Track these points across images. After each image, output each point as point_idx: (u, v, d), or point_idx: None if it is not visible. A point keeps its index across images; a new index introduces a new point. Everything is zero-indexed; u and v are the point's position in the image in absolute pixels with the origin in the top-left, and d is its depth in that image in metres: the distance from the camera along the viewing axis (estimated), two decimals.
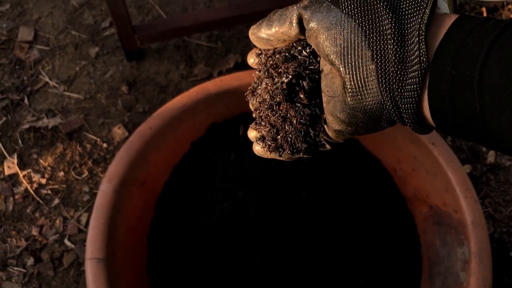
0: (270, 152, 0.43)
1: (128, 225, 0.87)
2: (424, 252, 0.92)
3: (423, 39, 0.33)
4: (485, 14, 1.40)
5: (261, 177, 0.97)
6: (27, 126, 1.26)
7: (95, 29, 1.40)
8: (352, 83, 0.36)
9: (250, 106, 0.45)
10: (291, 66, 0.41)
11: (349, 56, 0.36)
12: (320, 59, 0.40)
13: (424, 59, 0.33)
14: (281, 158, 0.43)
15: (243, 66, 1.32)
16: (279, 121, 0.42)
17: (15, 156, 1.22)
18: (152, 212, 0.94)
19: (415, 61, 0.34)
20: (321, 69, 0.40)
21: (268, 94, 0.42)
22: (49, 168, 1.21)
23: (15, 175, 1.21)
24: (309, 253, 0.91)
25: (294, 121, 0.41)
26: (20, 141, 1.25)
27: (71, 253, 1.12)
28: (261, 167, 0.97)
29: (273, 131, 0.43)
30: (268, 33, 0.42)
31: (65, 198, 1.18)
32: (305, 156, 0.43)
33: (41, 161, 1.22)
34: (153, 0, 1.44)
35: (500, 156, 1.21)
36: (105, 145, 1.23)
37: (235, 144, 0.99)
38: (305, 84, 0.40)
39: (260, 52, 0.45)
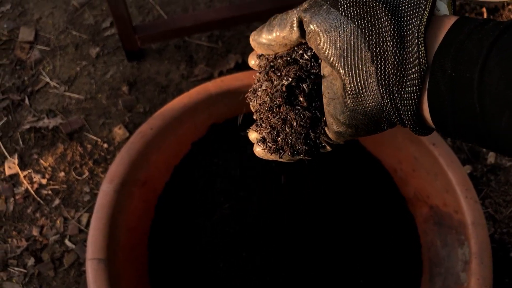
0: (271, 153, 0.43)
1: (129, 225, 0.87)
2: (424, 252, 0.92)
3: (422, 41, 0.34)
4: (485, 15, 1.40)
5: (261, 177, 0.97)
6: (27, 126, 1.26)
7: (96, 29, 1.40)
8: (352, 85, 0.36)
9: (251, 107, 0.45)
10: (292, 70, 0.41)
11: (349, 58, 0.36)
12: (321, 61, 0.40)
13: (424, 61, 0.33)
14: (281, 160, 0.43)
15: (244, 66, 1.32)
16: (279, 123, 0.42)
17: (16, 156, 1.23)
18: (152, 213, 0.94)
19: (414, 63, 0.34)
20: (321, 72, 0.40)
21: (268, 96, 0.42)
22: (49, 169, 1.21)
23: (16, 175, 1.21)
24: (309, 253, 0.91)
25: (294, 124, 0.41)
26: (20, 142, 1.25)
27: (71, 254, 1.12)
28: (261, 168, 0.97)
29: (274, 133, 0.43)
30: (269, 38, 0.42)
31: (65, 199, 1.18)
32: (305, 157, 0.43)
33: (41, 161, 1.22)
34: (154, 0, 1.44)
35: (500, 156, 1.21)
36: (105, 145, 1.23)
37: (236, 145, 0.99)
38: (305, 87, 0.40)
39: (261, 54, 0.45)
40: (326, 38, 0.37)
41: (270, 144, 0.43)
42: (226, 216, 0.94)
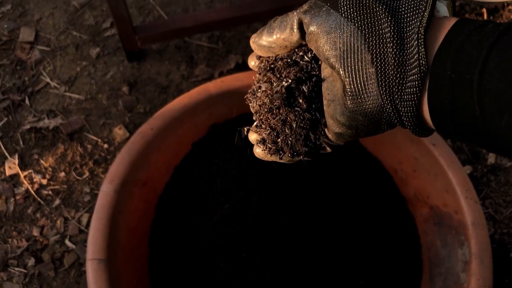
0: (271, 155, 0.43)
1: (129, 225, 0.87)
2: (424, 253, 0.92)
3: (422, 43, 0.34)
4: (485, 15, 1.40)
5: (261, 177, 0.97)
6: (28, 126, 1.26)
7: (96, 29, 1.40)
8: (352, 86, 0.36)
9: (251, 108, 0.45)
10: (292, 71, 0.41)
11: (349, 60, 0.36)
12: (321, 63, 0.40)
13: (424, 62, 0.33)
14: (281, 161, 0.43)
15: (244, 67, 1.33)
16: (279, 124, 0.42)
17: (16, 156, 1.23)
18: (153, 213, 0.94)
19: (414, 64, 0.34)
20: (321, 73, 0.40)
21: (268, 98, 0.42)
22: (50, 169, 1.21)
23: (16, 175, 1.21)
24: (309, 253, 0.91)
25: (294, 125, 0.41)
26: (21, 142, 1.25)
27: (72, 254, 1.12)
28: (261, 168, 0.97)
29: (274, 134, 0.43)
30: (269, 41, 0.42)
31: (66, 199, 1.18)
32: (305, 159, 0.43)
33: (42, 161, 1.22)
34: (154, 0, 1.44)
35: (500, 157, 1.21)
36: (106, 145, 1.23)
37: (236, 145, 0.99)
38: (305, 88, 0.40)
39: (260, 55, 0.45)
40: (326, 39, 0.37)
41: (270, 145, 0.43)
42: (226, 217, 0.94)
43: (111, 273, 0.79)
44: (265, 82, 0.43)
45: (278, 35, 0.41)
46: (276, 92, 0.41)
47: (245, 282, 0.89)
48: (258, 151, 0.44)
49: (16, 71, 1.35)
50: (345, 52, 0.36)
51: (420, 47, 0.34)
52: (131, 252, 0.87)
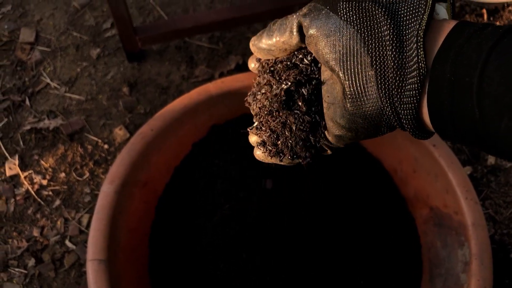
0: (271, 157, 0.43)
1: (130, 226, 0.87)
2: (424, 253, 0.92)
3: (421, 45, 0.34)
4: (485, 16, 1.40)
5: (261, 178, 0.97)
6: (28, 127, 1.26)
7: (96, 30, 1.40)
8: (352, 89, 0.36)
9: (251, 111, 0.45)
10: (292, 74, 0.41)
11: (348, 63, 0.36)
12: (321, 65, 0.41)
13: (423, 65, 0.34)
14: (282, 163, 0.44)
15: (244, 67, 1.33)
16: (279, 126, 0.42)
17: (17, 157, 1.23)
18: (153, 214, 0.94)
19: (413, 67, 0.34)
20: (321, 76, 0.40)
21: (267, 100, 0.42)
22: (50, 169, 1.21)
23: (16, 176, 1.21)
24: (309, 254, 0.91)
25: (294, 128, 0.41)
26: (21, 142, 1.25)
27: (72, 254, 1.12)
28: (261, 168, 0.97)
29: (274, 136, 0.43)
30: (269, 43, 0.42)
31: (66, 199, 1.18)
32: (305, 161, 0.43)
33: (42, 162, 1.22)
34: (154, 1, 1.45)
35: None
36: (106, 146, 1.24)
37: (236, 146, 0.99)
38: (304, 91, 0.41)
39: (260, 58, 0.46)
40: (326, 42, 0.37)
41: (270, 148, 0.43)
42: (227, 217, 0.94)
43: (111, 274, 0.79)
44: (265, 84, 0.43)
45: (278, 38, 0.41)
46: (276, 94, 0.42)
47: (245, 282, 0.89)
48: (259, 153, 0.44)
49: (17, 72, 1.35)
50: (344, 55, 0.36)
51: (419, 50, 0.34)
52: (132, 252, 0.87)
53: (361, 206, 0.96)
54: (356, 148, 1.00)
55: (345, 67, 0.36)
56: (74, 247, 1.13)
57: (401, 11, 0.35)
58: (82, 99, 1.30)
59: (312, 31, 0.38)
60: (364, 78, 0.36)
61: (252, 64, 0.46)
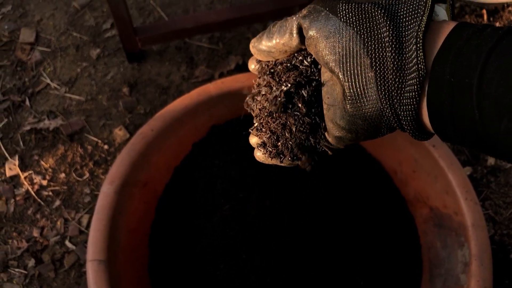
0: (271, 158, 0.43)
1: (130, 226, 0.87)
2: (424, 254, 0.92)
3: (420, 47, 0.34)
4: (485, 16, 1.40)
5: (261, 178, 0.97)
6: (28, 127, 1.26)
7: (97, 30, 1.40)
8: (352, 90, 0.36)
9: (251, 112, 0.45)
10: (292, 75, 0.41)
11: (348, 64, 0.36)
12: (321, 67, 0.41)
13: (422, 66, 0.34)
14: (282, 164, 0.44)
15: (244, 67, 1.33)
16: (279, 128, 0.42)
17: (17, 157, 1.23)
18: (153, 214, 0.94)
19: (413, 68, 0.34)
20: (321, 77, 0.40)
21: (267, 102, 0.42)
22: (50, 170, 1.21)
23: (16, 176, 1.21)
24: (309, 254, 0.91)
25: (294, 129, 0.41)
26: (21, 143, 1.25)
27: (72, 255, 1.12)
28: (261, 169, 0.97)
29: (274, 137, 0.43)
30: (269, 45, 0.42)
31: (66, 200, 1.18)
32: (306, 162, 0.43)
33: (42, 162, 1.22)
34: (155, 1, 1.45)
35: None
36: (106, 146, 1.24)
37: (236, 146, 0.99)
38: (304, 93, 0.41)
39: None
40: (325, 44, 0.37)
41: (270, 149, 0.43)
42: (227, 218, 0.94)
43: (111, 274, 0.79)
44: (265, 86, 0.43)
45: (278, 40, 0.41)
46: (276, 96, 0.42)
47: (245, 283, 0.89)
48: (259, 155, 0.44)
49: (17, 72, 1.35)
50: (344, 57, 0.36)
51: (418, 52, 0.34)
52: (132, 253, 0.87)
53: (361, 207, 0.96)
54: (356, 149, 1.00)
55: (344, 69, 0.36)
56: (74, 247, 1.13)
57: (400, 13, 0.35)
58: (82, 100, 1.30)
59: (311, 33, 0.38)
60: (363, 80, 0.36)
61: (252, 65, 0.46)
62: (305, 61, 0.41)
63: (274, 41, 0.41)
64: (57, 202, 1.18)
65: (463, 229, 0.84)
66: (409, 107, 0.35)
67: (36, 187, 1.19)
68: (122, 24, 1.20)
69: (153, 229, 0.93)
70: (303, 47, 0.40)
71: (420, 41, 0.34)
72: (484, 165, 1.20)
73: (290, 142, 0.42)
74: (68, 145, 1.24)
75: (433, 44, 0.34)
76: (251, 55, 0.46)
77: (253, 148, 0.46)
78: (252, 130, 0.45)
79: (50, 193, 1.19)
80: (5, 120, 1.28)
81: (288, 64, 0.42)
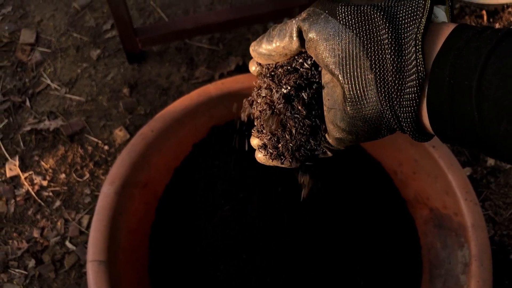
0: (272, 159, 0.44)
1: (130, 227, 0.87)
2: (424, 254, 0.92)
3: (419, 49, 0.34)
4: (485, 17, 1.40)
5: (261, 179, 0.97)
6: (28, 128, 1.26)
7: (97, 31, 1.40)
8: (352, 92, 0.36)
9: (252, 113, 0.45)
10: (292, 78, 0.41)
11: (348, 66, 0.36)
12: (321, 69, 0.41)
13: (422, 68, 0.34)
14: (283, 165, 0.44)
15: (244, 68, 1.33)
16: (279, 130, 0.42)
17: (17, 158, 1.23)
18: (153, 215, 0.94)
19: (412, 70, 0.34)
20: (322, 79, 0.40)
21: (267, 105, 0.43)
22: (50, 170, 1.21)
23: (17, 177, 1.21)
24: (309, 254, 0.91)
25: (293, 131, 0.41)
26: (21, 143, 1.25)
27: (72, 255, 1.13)
28: (261, 170, 0.97)
29: (274, 139, 0.43)
30: (269, 49, 0.42)
31: (66, 200, 1.18)
32: (306, 163, 0.43)
33: (42, 163, 1.22)
34: (155, 2, 1.45)
35: None
36: (106, 147, 1.24)
37: (236, 147, 0.99)
38: (304, 95, 0.41)
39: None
40: (325, 46, 0.37)
41: (271, 150, 0.43)
42: (227, 218, 0.94)
43: (111, 275, 0.79)
44: (265, 88, 0.43)
45: (278, 43, 0.41)
46: (276, 98, 0.42)
47: (245, 283, 0.89)
48: (260, 156, 0.45)
49: (17, 73, 1.35)
50: (343, 59, 0.36)
51: (418, 53, 0.34)
52: (132, 253, 0.87)
53: (361, 207, 0.96)
54: (356, 150, 1.00)
55: (344, 71, 0.36)
56: (74, 248, 1.13)
57: (399, 15, 0.35)
58: (83, 100, 1.30)
59: (311, 35, 0.38)
60: (363, 82, 0.36)
61: (253, 67, 0.46)
62: (305, 64, 0.41)
63: (274, 45, 0.41)
64: (58, 203, 1.18)
65: (463, 229, 0.84)
66: (409, 108, 0.35)
67: (36, 187, 1.20)
68: (122, 25, 1.20)
69: (153, 230, 0.93)
70: (303, 50, 0.41)
71: (419, 43, 0.34)
72: (484, 165, 1.20)
73: (291, 144, 0.42)
74: (69, 146, 1.24)
75: (433, 46, 0.34)
76: (252, 56, 0.46)
77: (254, 149, 0.46)
78: (253, 131, 0.45)
79: (51, 194, 1.19)
80: (6, 120, 1.28)
81: (289, 67, 0.42)
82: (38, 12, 1.44)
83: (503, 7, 1.41)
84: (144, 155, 0.90)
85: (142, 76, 1.33)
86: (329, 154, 0.42)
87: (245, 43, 1.37)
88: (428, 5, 0.35)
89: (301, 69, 0.42)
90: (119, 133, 1.25)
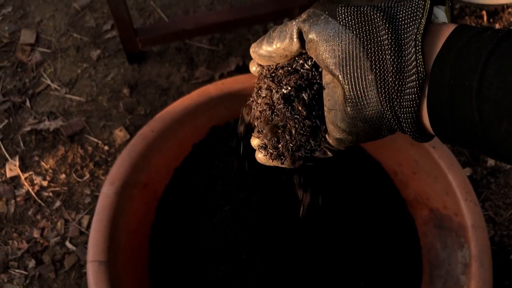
0: (272, 160, 0.44)
1: (130, 227, 0.87)
2: (424, 255, 0.92)
3: (419, 49, 0.34)
4: (485, 18, 1.40)
5: (261, 179, 0.97)
6: (28, 128, 1.26)
7: (97, 31, 1.40)
8: (352, 93, 0.36)
9: (252, 114, 0.45)
10: (293, 78, 0.41)
11: (348, 67, 0.36)
12: (321, 70, 0.41)
13: (422, 69, 0.34)
14: (283, 166, 0.44)
15: (244, 69, 1.33)
16: (279, 130, 0.42)
17: (17, 158, 1.23)
18: (153, 215, 0.94)
19: (412, 71, 0.34)
20: (323, 79, 0.40)
21: (267, 105, 0.43)
22: (50, 171, 1.22)
23: (17, 177, 1.21)
24: (309, 255, 0.91)
25: (293, 131, 0.41)
26: (21, 144, 1.25)
27: (72, 256, 1.13)
28: (261, 170, 0.97)
29: (274, 139, 0.43)
30: (269, 50, 0.42)
31: (66, 201, 1.18)
32: (306, 164, 0.43)
33: (42, 163, 1.22)
34: (155, 3, 1.45)
35: None
36: (106, 147, 1.24)
37: (236, 147, 0.99)
38: (305, 96, 0.41)
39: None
40: (325, 47, 0.37)
41: (271, 151, 0.44)
42: (227, 219, 0.94)
43: (111, 275, 0.79)
44: (266, 89, 0.43)
45: (278, 45, 0.41)
46: (276, 99, 0.42)
47: (245, 283, 0.89)
48: (260, 156, 0.45)
49: (17, 73, 1.35)
50: (344, 60, 0.36)
51: (417, 54, 0.34)
52: (132, 254, 0.87)
53: (361, 208, 0.96)
54: (357, 150, 1.00)
55: (345, 72, 0.36)
56: (74, 248, 1.13)
57: (399, 15, 0.35)
58: (83, 101, 1.30)
59: (311, 36, 0.38)
60: (364, 82, 0.36)
61: (254, 67, 0.46)
62: (305, 65, 0.41)
63: (274, 46, 0.41)
64: (58, 203, 1.18)
65: (463, 230, 0.84)
66: (409, 109, 0.35)
67: (36, 188, 1.20)
68: (122, 25, 1.20)
69: (153, 230, 0.93)
70: (304, 51, 0.41)
71: (419, 43, 0.34)
72: (484, 166, 1.20)
73: (291, 144, 0.42)
74: (69, 146, 1.24)
75: (433, 47, 0.34)
76: (252, 59, 0.46)
77: (254, 149, 0.46)
78: (254, 132, 0.45)
79: (51, 194, 1.19)
80: (6, 121, 1.28)
81: (289, 68, 0.42)
82: (38, 12, 1.44)
83: (503, 7, 1.41)
84: (144, 156, 0.90)
85: (142, 76, 1.33)
86: (329, 154, 0.43)
87: (245, 43, 1.37)
88: (428, 5, 0.35)
89: (301, 70, 0.42)
90: (119, 134, 1.25)
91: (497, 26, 1.40)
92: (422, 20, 0.34)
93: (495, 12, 1.41)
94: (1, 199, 1.19)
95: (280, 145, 0.43)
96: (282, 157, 0.43)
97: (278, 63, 0.43)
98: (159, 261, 0.92)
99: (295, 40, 0.40)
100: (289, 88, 0.41)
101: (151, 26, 1.30)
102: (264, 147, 0.44)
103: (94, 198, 1.18)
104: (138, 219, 0.90)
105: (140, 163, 0.89)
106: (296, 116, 0.41)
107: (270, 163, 0.44)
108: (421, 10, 0.35)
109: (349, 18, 0.37)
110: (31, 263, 1.12)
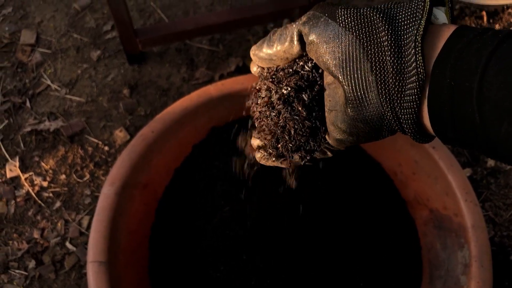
0: (272, 160, 0.44)
1: (130, 228, 0.87)
2: (424, 255, 0.92)
3: (419, 50, 0.34)
4: (485, 18, 1.40)
5: (262, 180, 0.97)
6: (29, 129, 1.26)
7: (97, 32, 1.40)
8: (353, 94, 0.36)
9: (252, 114, 0.46)
10: (293, 80, 0.41)
11: (349, 68, 0.36)
12: (321, 71, 0.41)
13: (422, 70, 0.34)
14: (282, 166, 0.44)
15: (245, 69, 1.33)
16: (279, 130, 0.42)
17: (17, 159, 1.23)
18: (153, 216, 0.94)
19: (412, 72, 0.34)
20: (324, 80, 0.40)
21: (267, 105, 0.43)
22: (50, 171, 1.22)
23: (17, 178, 1.21)
24: (309, 255, 0.91)
25: (292, 132, 0.41)
26: (22, 144, 1.25)
27: (72, 256, 1.13)
28: (261, 170, 0.97)
29: (274, 140, 0.43)
30: (269, 53, 0.42)
31: (66, 201, 1.18)
32: (306, 164, 0.43)
33: (42, 164, 1.22)
34: (155, 3, 1.45)
35: None
36: (106, 148, 1.24)
37: (236, 148, 0.99)
38: (305, 97, 0.41)
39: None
40: (326, 49, 0.37)
41: (270, 151, 0.44)
42: (227, 219, 0.94)
43: (111, 276, 0.79)
44: (266, 90, 0.44)
45: (279, 48, 0.41)
46: (275, 100, 0.42)
47: (245, 284, 0.89)
48: (259, 156, 0.45)
49: (17, 74, 1.35)
50: (344, 61, 0.36)
51: (417, 55, 0.34)
52: (132, 254, 0.87)
53: (361, 208, 0.96)
54: (357, 151, 1.00)
55: (345, 73, 0.36)
56: (74, 249, 1.13)
57: (399, 16, 0.35)
58: (83, 101, 1.30)
59: (312, 38, 0.38)
60: (364, 84, 0.36)
61: (254, 68, 0.46)
62: (306, 66, 0.42)
63: (274, 49, 0.42)
64: (58, 204, 1.18)
65: (463, 230, 0.84)
66: (410, 110, 0.35)
67: (36, 188, 1.20)
68: (122, 25, 1.20)
69: (153, 231, 0.93)
70: (304, 53, 0.41)
71: (419, 45, 0.34)
72: (484, 166, 1.20)
73: (290, 145, 0.42)
74: (69, 147, 1.24)
75: (433, 48, 0.34)
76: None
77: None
78: (254, 132, 0.46)
79: (51, 195, 1.19)
80: (6, 121, 1.28)
81: (290, 70, 0.42)
82: (39, 13, 1.44)
83: (503, 8, 1.41)
84: (144, 156, 0.90)
85: (142, 77, 1.33)
86: (329, 154, 0.43)
87: (245, 44, 1.37)
88: (428, 6, 0.35)
89: (301, 72, 0.42)
90: (119, 134, 1.25)
91: (497, 26, 1.40)
92: (422, 21, 0.34)
93: (495, 12, 1.41)
94: (1, 200, 1.19)
95: (279, 145, 0.43)
96: (281, 157, 0.43)
97: (279, 65, 0.43)
98: (159, 262, 0.92)
99: (295, 42, 0.40)
100: (289, 89, 0.41)
101: (151, 26, 1.30)
102: (264, 147, 0.44)
103: (94, 198, 1.18)
104: (138, 220, 0.90)
105: (140, 164, 0.89)
106: (295, 116, 0.41)
107: (269, 163, 0.44)
108: (421, 11, 0.35)
109: (349, 20, 0.37)
110: (31, 264, 1.12)
